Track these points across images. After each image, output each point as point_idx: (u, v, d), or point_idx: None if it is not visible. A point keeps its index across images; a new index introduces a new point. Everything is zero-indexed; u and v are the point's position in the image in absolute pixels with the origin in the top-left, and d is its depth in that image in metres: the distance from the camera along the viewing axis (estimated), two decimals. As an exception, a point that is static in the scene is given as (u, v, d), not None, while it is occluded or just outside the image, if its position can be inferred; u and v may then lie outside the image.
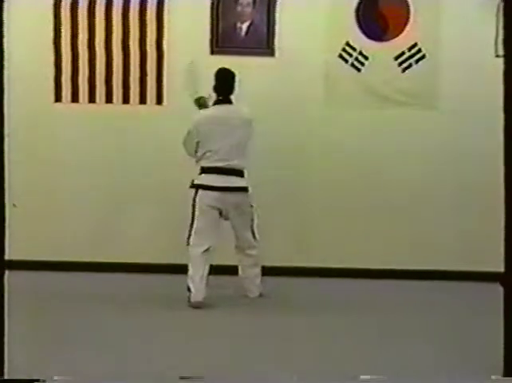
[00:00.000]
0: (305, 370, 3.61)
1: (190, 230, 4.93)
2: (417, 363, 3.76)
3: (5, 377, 2.84)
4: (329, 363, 3.74)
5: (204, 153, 4.95)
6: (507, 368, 3.26)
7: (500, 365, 3.28)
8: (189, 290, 4.87)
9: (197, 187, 4.94)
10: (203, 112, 5.05)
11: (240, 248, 5.08)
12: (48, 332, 4.12)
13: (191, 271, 4.89)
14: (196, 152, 4.98)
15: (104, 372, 3.46)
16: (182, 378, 3.35)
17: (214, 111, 5.02)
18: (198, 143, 4.95)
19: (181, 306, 4.82)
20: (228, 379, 3.48)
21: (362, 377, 3.44)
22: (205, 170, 4.95)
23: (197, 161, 5.00)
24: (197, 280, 4.86)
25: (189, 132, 4.99)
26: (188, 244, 4.93)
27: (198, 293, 4.84)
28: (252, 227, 5.06)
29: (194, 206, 4.93)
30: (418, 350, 3.98)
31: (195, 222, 4.92)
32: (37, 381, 3.11)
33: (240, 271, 5.15)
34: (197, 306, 4.83)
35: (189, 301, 4.86)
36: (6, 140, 2.83)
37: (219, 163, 4.91)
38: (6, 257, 2.86)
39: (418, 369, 3.66)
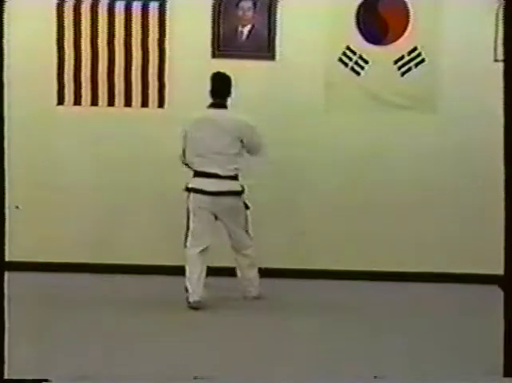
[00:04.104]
0: (304, 370, 3.62)
1: (186, 233, 5.01)
2: (417, 364, 3.77)
3: (5, 377, 2.85)
4: (328, 363, 3.74)
5: (196, 157, 4.96)
6: (507, 368, 3.27)
7: (500, 366, 3.29)
8: (187, 290, 4.91)
9: (189, 190, 5.00)
10: (194, 115, 5.05)
11: (236, 249, 5.11)
12: (48, 333, 4.13)
13: (188, 272, 4.94)
14: (184, 155, 5.03)
15: (104, 372, 3.46)
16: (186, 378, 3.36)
17: (205, 115, 5.03)
18: (188, 146, 4.98)
19: (180, 307, 4.83)
20: (228, 379, 3.49)
21: (360, 377, 3.46)
22: (197, 174, 5.00)
23: (186, 165, 5.04)
24: (194, 280, 4.91)
25: (182, 136, 5.03)
26: (185, 246, 4.99)
27: (195, 293, 4.88)
28: (246, 227, 5.09)
29: (188, 209, 5.01)
30: (418, 351, 3.98)
31: (191, 224, 4.99)
32: (39, 381, 3.12)
33: (238, 273, 5.18)
34: (195, 307, 4.87)
35: (187, 301, 4.89)
36: (7, 141, 2.84)
37: (210, 167, 4.94)
38: (6, 258, 2.87)
39: (418, 370, 3.67)
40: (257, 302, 5.10)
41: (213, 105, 5.02)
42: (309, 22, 5.81)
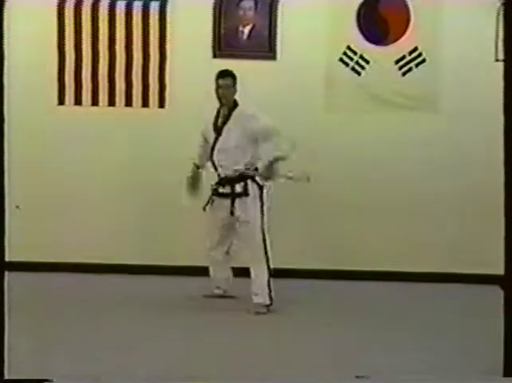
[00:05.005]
0: (305, 370, 3.62)
1: (264, 232, 4.82)
2: (417, 363, 3.77)
3: (5, 377, 2.85)
4: (329, 363, 3.75)
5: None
6: (507, 368, 3.27)
7: (500, 366, 3.29)
8: (270, 290, 4.76)
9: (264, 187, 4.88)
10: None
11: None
12: (48, 333, 4.14)
13: (270, 271, 4.77)
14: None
15: (103, 371, 3.47)
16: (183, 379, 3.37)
17: None
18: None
19: (181, 308, 4.82)
20: (229, 379, 3.49)
21: (362, 377, 3.46)
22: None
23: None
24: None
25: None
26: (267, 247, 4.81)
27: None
28: None
29: (263, 206, 4.84)
30: (418, 351, 3.99)
31: (265, 222, 4.83)
32: (39, 381, 3.12)
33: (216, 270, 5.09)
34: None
35: (271, 301, 4.79)
36: (8, 141, 2.84)
37: None
38: (6, 258, 2.88)
39: (418, 370, 3.67)
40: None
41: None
42: (309, 22, 5.81)
